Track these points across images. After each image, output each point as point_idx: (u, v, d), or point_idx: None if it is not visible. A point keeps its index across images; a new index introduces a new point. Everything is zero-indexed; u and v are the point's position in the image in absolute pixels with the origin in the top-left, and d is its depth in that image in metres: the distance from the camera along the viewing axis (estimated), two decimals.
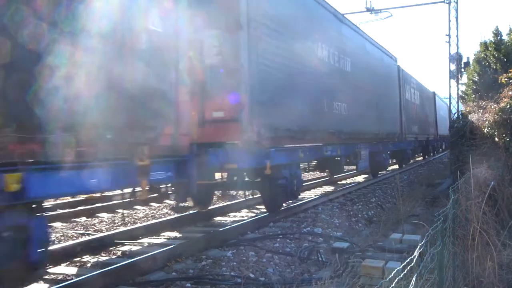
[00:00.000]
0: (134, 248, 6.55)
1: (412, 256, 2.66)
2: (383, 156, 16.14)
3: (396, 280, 2.31)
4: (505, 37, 28.42)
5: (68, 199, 10.58)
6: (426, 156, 28.89)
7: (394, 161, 21.93)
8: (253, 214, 9.18)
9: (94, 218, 8.88)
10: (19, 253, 3.86)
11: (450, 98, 27.58)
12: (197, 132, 5.88)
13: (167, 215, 9.11)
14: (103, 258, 6.11)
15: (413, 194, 10.79)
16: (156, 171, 5.12)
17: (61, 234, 7.48)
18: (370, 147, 14.09)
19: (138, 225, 7.98)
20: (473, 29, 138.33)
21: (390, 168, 20.54)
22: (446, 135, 32.34)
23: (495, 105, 8.91)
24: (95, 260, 5.95)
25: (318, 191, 13.24)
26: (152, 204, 10.28)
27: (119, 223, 8.43)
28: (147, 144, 4.85)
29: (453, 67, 26.65)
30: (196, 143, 5.83)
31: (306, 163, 15.51)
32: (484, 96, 10.74)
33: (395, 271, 2.39)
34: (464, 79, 30.35)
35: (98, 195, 10.46)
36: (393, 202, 11.27)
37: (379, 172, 17.23)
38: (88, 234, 7.46)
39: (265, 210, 8.95)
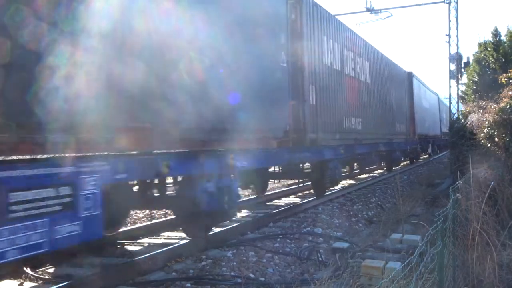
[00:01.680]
0: (134, 248, 6.54)
1: (412, 257, 2.66)
2: (204, 191, 6.06)
3: (396, 280, 2.31)
4: (503, 38, 28.42)
5: None
6: (396, 168, 20.25)
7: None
8: (254, 214, 9.18)
9: None
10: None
11: (450, 98, 27.60)
12: None
13: (167, 215, 9.11)
14: (103, 258, 6.11)
15: (413, 194, 10.80)
16: None
17: None
18: (130, 172, 4.88)
19: (138, 225, 7.98)
20: (473, 29, 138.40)
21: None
22: (435, 135, 30.53)
23: (495, 105, 8.91)
24: (95, 260, 5.95)
25: None
26: None
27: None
28: None
29: (453, 67, 26.67)
30: None
31: None
32: (484, 96, 10.73)
33: (395, 271, 2.40)
34: (464, 79, 30.35)
35: None
36: (393, 202, 11.28)
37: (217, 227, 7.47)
38: None
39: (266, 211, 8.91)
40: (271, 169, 10.53)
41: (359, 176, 17.47)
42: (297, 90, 8.74)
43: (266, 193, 11.64)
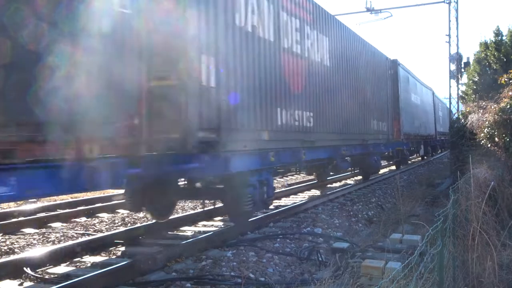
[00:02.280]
0: (134, 248, 6.54)
1: (412, 257, 2.66)
2: None
3: (396, 280, 2.31)
4: (505, 38, 28.42)
5: (68, 199, 10.58)
6: (375, 175, 16.38)
7: None
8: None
9: (94, 218, 8.88)
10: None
11: (450, 98, 27.59)
12: None
13: None
14: (103, 258, 6.11)
15: (413, 194, 10.80)
16: None
17: (61, 234, 7.48)
18: None
19: (138, 225, 7.98)
20: (473, 29, 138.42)
21: None
22: (428, 134, 28.80)
23: (495, 105, 8.92)
24: (95, 260, 5.95)
25: None
26: None
27: (119, 223, 8.43)
28: None
29: (453, 67, 26.65)
30: None
31: None
32: (484, 96, 10.74)
33: (395, 271, 2.40)
34: (464, 79, 30.33)
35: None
36: (393, 202, 11.28)
37: None
38: (88, 234, 7.46)
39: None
40: (181, 183, 7.85)
41: (329, 185, 14.37)
42: (170, 62, 5.45)
43: (171, 217, 8.16)
